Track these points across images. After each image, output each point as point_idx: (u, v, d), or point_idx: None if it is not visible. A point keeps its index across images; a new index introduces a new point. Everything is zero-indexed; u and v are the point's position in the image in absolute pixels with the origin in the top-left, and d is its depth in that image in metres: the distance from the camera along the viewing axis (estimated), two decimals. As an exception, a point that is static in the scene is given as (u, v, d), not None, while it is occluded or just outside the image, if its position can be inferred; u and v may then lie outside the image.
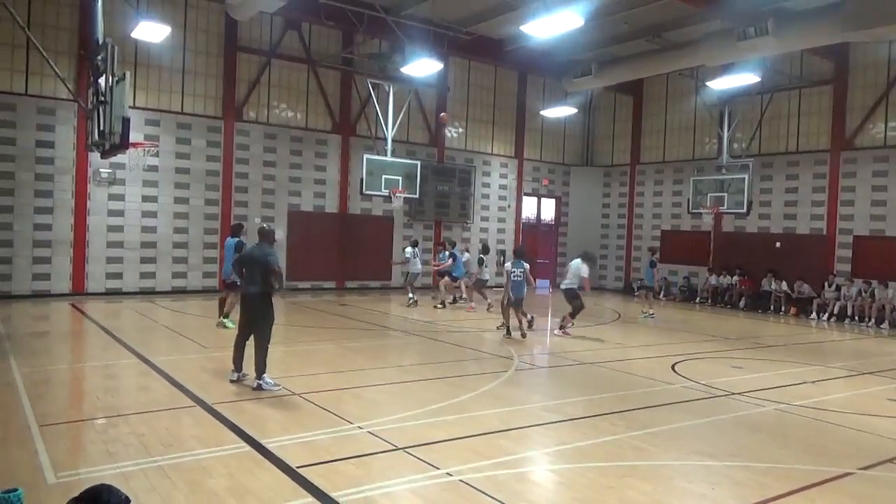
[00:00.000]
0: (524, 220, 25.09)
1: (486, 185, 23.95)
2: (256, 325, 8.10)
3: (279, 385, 8.03)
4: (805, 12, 15.07)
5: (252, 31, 18.88)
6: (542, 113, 23.91)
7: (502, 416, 7.25)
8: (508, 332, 12.72)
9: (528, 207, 25.41)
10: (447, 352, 11.21)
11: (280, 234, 18.75)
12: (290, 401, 7.54)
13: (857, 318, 17.85)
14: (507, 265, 12.74)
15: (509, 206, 24.57)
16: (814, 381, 9.91)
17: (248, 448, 5.86)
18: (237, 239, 12.04)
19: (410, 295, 17.52)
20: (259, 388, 7.86)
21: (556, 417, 7.29)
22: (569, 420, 7.22)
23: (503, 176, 24.42)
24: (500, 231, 24.37)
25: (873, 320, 17.39)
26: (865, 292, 17.77)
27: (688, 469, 5.88)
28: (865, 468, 6.07)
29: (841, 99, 19.29)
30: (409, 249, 18.01)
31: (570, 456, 6.07)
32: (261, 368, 7.96)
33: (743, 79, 17.86)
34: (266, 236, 8.34)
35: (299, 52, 19.73)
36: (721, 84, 18.52)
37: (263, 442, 5.98)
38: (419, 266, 18.05)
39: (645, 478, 5.56)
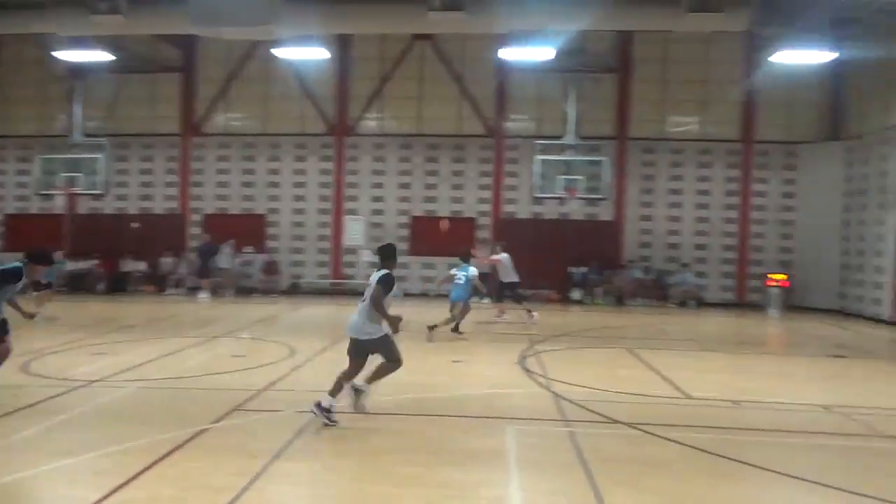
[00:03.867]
0: None
1: None
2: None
3: None
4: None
5: None
6: None
7: None
8: None
9: None
10: None
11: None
12: None
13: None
14: None
15: None
16: (172, 353, 10.43)
17: None
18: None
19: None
20: None
21: None
22: None
23: None
24: None
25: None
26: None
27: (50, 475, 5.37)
28: (217, 421, 6.76)
29: (191, 87, 20.68)
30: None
31: None
32: None
33: (95, 55, 16.78)
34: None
35: None
36: (72, 57, 17.07)
37: None
38: None
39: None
